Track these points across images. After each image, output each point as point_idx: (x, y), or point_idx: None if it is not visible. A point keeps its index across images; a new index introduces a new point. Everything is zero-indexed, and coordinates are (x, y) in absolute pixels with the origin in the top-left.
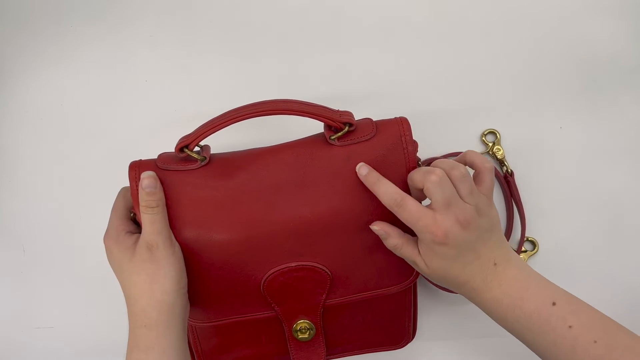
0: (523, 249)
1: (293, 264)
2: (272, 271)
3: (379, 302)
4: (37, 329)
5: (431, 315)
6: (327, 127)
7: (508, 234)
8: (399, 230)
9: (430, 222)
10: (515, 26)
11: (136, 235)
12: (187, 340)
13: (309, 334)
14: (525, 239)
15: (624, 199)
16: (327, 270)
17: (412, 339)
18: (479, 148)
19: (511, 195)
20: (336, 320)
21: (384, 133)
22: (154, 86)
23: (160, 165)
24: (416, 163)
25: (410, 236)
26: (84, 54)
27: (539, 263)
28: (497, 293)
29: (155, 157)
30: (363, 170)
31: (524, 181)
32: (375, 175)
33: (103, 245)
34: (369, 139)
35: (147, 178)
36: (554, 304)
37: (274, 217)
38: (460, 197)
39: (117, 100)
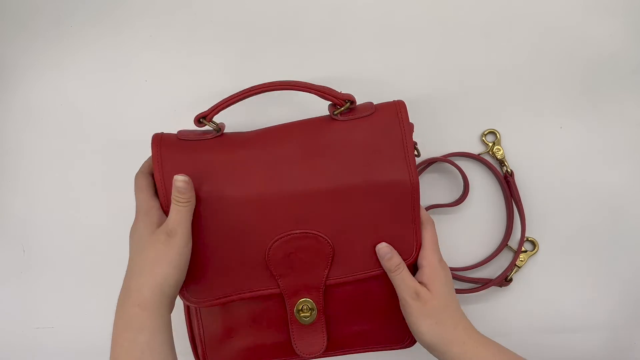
0: (523, 249)
1: (297, 231)
2: (276, 238)
3: (379, 290)
4: (37, 329)
5: None
6: (331, 106)
7: (508, 234)
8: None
9: (418, 289)
10: (515, 26)
11: (163, 216)
12: (171, 329)
13: (310, 315)
14: (525, 239)
15: (624, 199)
16: (329, 240)
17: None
18: (479, 148)
19: (511, 195)
20: (338, 306)
21: (382, 111)
22: (154, 86)
23: (180, 137)
24: (412, 136)
25: None
26: (85, 54)
27: (539, 263)
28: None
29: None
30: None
31: (523, 181)
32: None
33: (105, 245)
34: (369, 115)
35: (181, 182)
36: None
37: (282, 183)
38: None
39: (118, 101)
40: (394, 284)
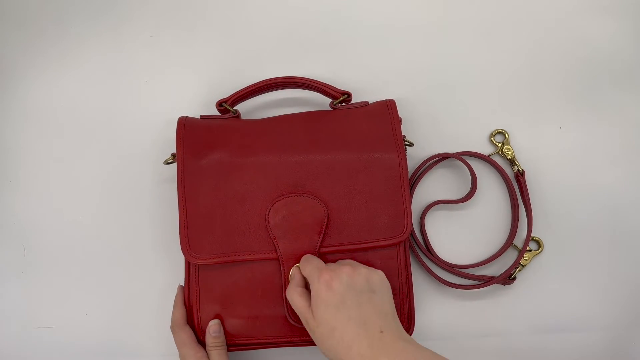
0: (528, 248)
1: (295, 195)
2: (275, 199)
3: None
4: (37, 329)
5: (433, 314)
6: (331, 102)
7: (513, 233)
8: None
9: (322, 266)
10: (516, 26)
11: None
12: None
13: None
14: (530, 238)
15: (625, 199)
16: (324, 205)
17: (410, 328)
18: (488, 149)
19: (522, 195)
20: None
21: (374, 105)
22: (155, 86)
23: (202, 117)
24: (400, 126)
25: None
26: (85, 54)
27: (544, 263)
28: None
29: (162, 155)
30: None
31: (528, 181)
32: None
33: (105, 245)
34: (363, 106)
35: (214, 325)
36: None
37: (284, 153)
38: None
39: (118, 101)
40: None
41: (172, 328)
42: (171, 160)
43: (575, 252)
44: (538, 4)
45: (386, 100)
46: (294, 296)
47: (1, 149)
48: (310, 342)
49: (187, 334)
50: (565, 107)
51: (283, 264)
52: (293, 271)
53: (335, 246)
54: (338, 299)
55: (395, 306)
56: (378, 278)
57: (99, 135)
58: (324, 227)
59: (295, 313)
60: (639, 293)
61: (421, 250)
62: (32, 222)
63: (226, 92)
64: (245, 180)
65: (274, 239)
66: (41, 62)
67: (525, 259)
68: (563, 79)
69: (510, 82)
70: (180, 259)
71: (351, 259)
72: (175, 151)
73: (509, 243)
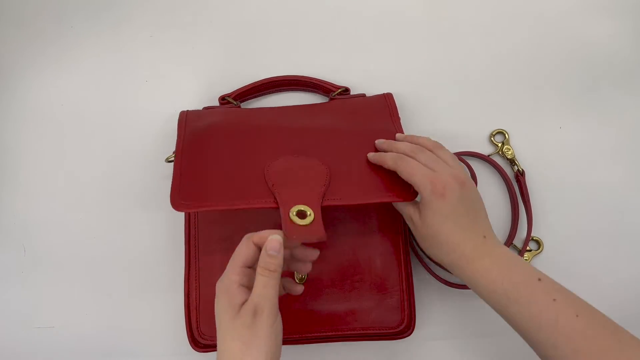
0: (528, 248)
1: (296, 156)
2: (278, 157)
3: (373, 252)
4: (37, 329)
5: (433, 314)
6: (331, 93)
7: (513, 233)
8: None
9: (429, 173)
10: (516, 26)
11: (246, 292)
12: None
13: (307, 218)
14: (530, 238)
15: (625, 199)
16: (327, 166)
17: (411, 328)
18: (488, 148)
19: (522, 195)
20: (331, 270)
21: (371, 96)
22: (155, 86)
23: (205, 108)
24: (397, 114)
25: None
26: (85, 54)
27: (544, 262)
28: (487, 263)
29: (160, 156)
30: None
31: (527, 181)
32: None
33: (105, 246)
34: (360, 96)
35: (274, 241)
36: (539, 280)
37: (284, 122)
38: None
39: (118, 101)
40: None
41: (242, 240)
42: (173, 158)
43: (575, 252)
44: (538, 3)
45: (383, 94)
46: (400, 206)
47: (1, 149)
48: (310, 340)
49: (246, 252)
50: (565, 107)
51: (282, 207)
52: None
53: (338, 199)
54: (449, 209)
55: (397, 302)
56: (477, 190)
57: (99, 135)
58: (327, 181)
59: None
60: (639, 293)
61: (421, 250)
62: (32, 222)
63: (225, 91)
64: (244, 143)
65: (273, 187)
66: (41, 61)
67: (526, 259)
68: (563, 79)
69: (510, 82)
70: (181, 258)
71: (355, 228)
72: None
73: (509, 243)
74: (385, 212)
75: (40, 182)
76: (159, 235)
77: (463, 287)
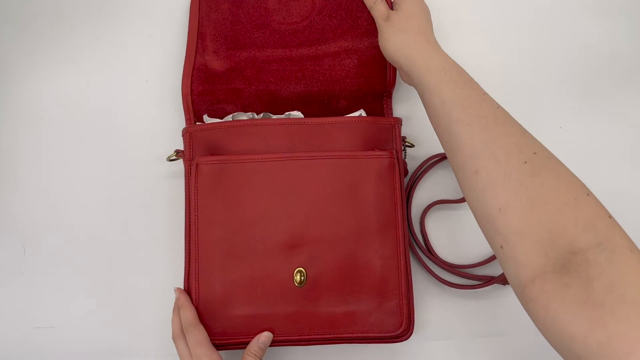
0: None
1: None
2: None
3: (369, 267)
4: (37, 329)
5: (433, 315)
6: None
7: None
8: None
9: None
10: (516, 26)
11: None
12: None
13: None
14: None
15: (625, 199)
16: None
17: (409, 332)
18: None
19: None
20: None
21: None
22: (155, 86)
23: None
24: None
25: None
26: (84, 54)
27: None
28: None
29: (160, 155)
30: None
31: None
32: None
33: (105, 246)
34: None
35: (266, 337)
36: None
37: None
38: None
39: (118, 101)
40: (372, 16)
41: (186, 328)
42: (174, 157)
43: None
44: (538, 3)
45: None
46: (382, 7)
47: (1, 149)
48: (309, 342)
49: (203, 333)
50: (565, 107)
51: None
52: None
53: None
54: (427, 16)
55: (395, 306)
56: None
57: (99, 135)
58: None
59: None
60: None
61: (421, 250)
62: (32, 222)
63: None
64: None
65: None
66: (41, 61)
67: None
68: (563, 79)
69: (510, 82)
70: (181, 257)
71: (355, 231)
72: (177, 148)
73: None
74: (385, 213)
75: (40, 182)
76: (159, 235)
77: (463, 287)
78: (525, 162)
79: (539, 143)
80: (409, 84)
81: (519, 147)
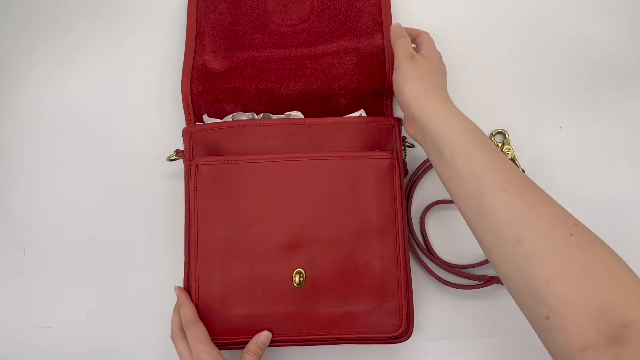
0: None
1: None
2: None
3: (370, 268)
4: (37, 329)
5: (433, 315)
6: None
7: None
8: None
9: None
10: (516, 26)
11: None
12: None
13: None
14: None
15: (625, 199)
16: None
17: (409, 332)
18: None
19: None
20: (327, 274)
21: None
22: (154, 86)
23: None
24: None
25: None
26: (84, 54)
27: None
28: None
29: (160, 155)
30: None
31: None
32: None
33: (105, 246)
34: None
35: (265, 336)
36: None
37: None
38: None
39: (118, 101)
40: (393, 48)
41: (186, 325)
42: (174, 157)
43: None
44: (538, 3)
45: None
46: (407, 43)
47: (1, 149)
48: (308, 343)
49: (202, 330)
50: (566, 107)
51: None
52: None
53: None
54: (443, 66)
55: (395, 307)
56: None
57: (99, 135)
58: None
59: None
60: None
61: (421, 250)
62: (32, 222)
63: None
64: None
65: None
66: (41, 61)
67: None
68: (563, 79)
69: (510, 82)
70: (181, 257)
71: (355, 232)
72: (177, 148)
73: None
74: (385, 214)
75: (40, 182)
76: (159, 235)
77: (463, 287)
78: (571, 234)
79: (570, 213)
80: (413, 137)
81: (560, 218)
